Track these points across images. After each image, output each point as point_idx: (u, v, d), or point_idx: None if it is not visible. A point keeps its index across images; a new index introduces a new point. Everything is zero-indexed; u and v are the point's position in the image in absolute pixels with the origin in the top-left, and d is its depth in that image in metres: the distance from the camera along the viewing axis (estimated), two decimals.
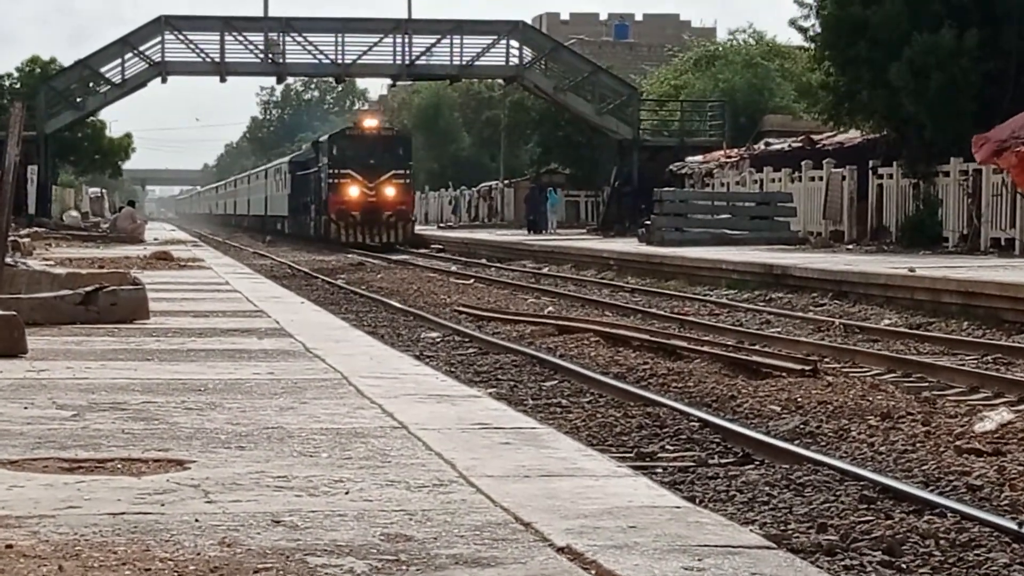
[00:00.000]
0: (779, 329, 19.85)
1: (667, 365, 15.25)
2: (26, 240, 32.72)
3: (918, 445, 10.33)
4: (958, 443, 10.25)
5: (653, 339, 17.37)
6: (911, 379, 14.34)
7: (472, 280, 32.34)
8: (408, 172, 54.97)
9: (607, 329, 18.67)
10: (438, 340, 18.93)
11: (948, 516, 7.81)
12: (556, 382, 14.22)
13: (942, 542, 7.36)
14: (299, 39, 55.80)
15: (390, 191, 53.63)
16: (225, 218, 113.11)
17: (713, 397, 13.04)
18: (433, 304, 25.42)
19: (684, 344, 16.80)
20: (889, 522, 7.79)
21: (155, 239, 45.65)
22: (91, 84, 56.34)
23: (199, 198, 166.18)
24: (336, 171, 54.07)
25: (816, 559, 6.95)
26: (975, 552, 7.19)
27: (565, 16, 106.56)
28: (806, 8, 36.56)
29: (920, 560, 7.12)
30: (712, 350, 16.04)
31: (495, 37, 55.53)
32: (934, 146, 33.75)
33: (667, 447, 10.49)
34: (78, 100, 56.34)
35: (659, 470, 9.50)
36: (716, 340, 17.68)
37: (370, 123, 57.69)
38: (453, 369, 15.12)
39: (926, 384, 13.96)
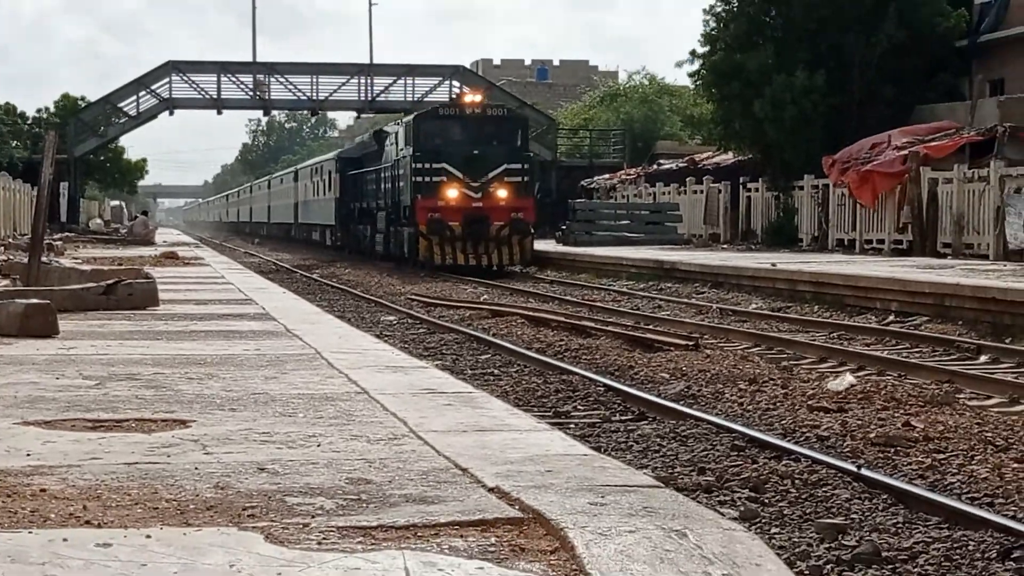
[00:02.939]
0: (668, 312, 19.92)
1: (579, 341, 15.27)
2: (59, 243, 32.39)
3: (778, 404, 10.40)
4: (810, 403, 10.33)
5: (568, 320, 17.39)
6: (773, 351, 14.43)
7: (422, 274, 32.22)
8: (526, 167, 32.94)
9: (531, 313, 18.67)
10: (394, 322, 18.87)
11: (802, 461, 7.87)
12: (489, 355, 14.21)
13: (797, 482, 7.42)
14: (281, 80, 55.73)
15: (502, 193, 32.17)
16: (237, 226, 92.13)
17: (615, 367, 13.07)
18: (390, 293, 25.33)
19: (592, 324, 16.83)
20: (755, 466, 7.84)
21: (164, 242, 45.22)
22: (112, 117, 55.92)
23: (207, 207, 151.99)
24: (426, 166, 32.49)
25: (696, 496, 6.98)
26: (823, 489, 7.25)
27: (497, 61, 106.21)
28: (692, 57, 36.63)
29: (779, 495, 7.17)
30: (615, 329, 16.07)
31: (440, 78, 55.51)
32: (791, 166, 34.05)
33: (578, 407, 10.51)
34: (101, 129, 55.95)
35: (572, 425, 9.51)
36: (618, 321, 17.73)
37: (473, 99, 34.02)
38: (406, 345, 15.06)
39: (785, 356, 14.05)
